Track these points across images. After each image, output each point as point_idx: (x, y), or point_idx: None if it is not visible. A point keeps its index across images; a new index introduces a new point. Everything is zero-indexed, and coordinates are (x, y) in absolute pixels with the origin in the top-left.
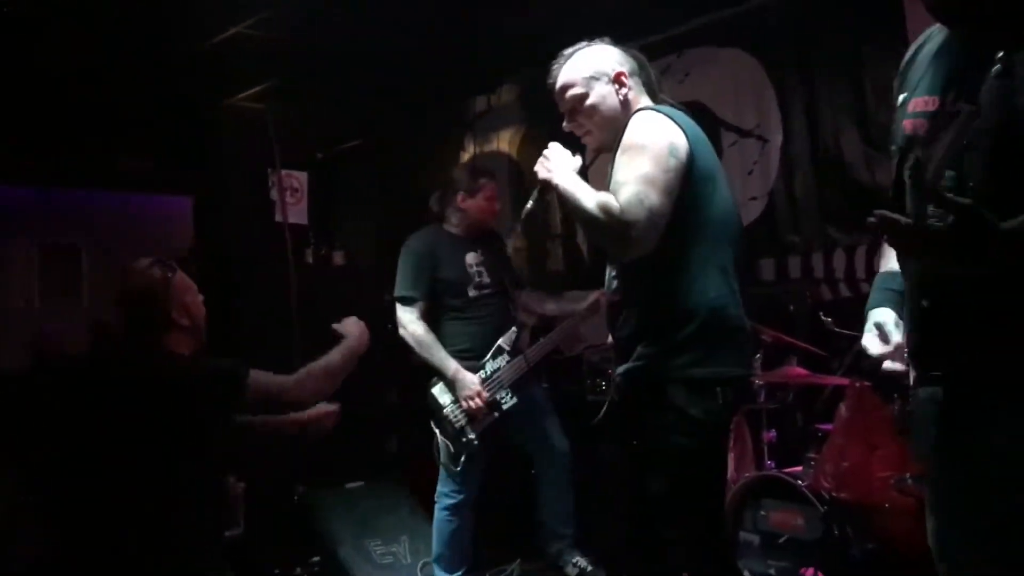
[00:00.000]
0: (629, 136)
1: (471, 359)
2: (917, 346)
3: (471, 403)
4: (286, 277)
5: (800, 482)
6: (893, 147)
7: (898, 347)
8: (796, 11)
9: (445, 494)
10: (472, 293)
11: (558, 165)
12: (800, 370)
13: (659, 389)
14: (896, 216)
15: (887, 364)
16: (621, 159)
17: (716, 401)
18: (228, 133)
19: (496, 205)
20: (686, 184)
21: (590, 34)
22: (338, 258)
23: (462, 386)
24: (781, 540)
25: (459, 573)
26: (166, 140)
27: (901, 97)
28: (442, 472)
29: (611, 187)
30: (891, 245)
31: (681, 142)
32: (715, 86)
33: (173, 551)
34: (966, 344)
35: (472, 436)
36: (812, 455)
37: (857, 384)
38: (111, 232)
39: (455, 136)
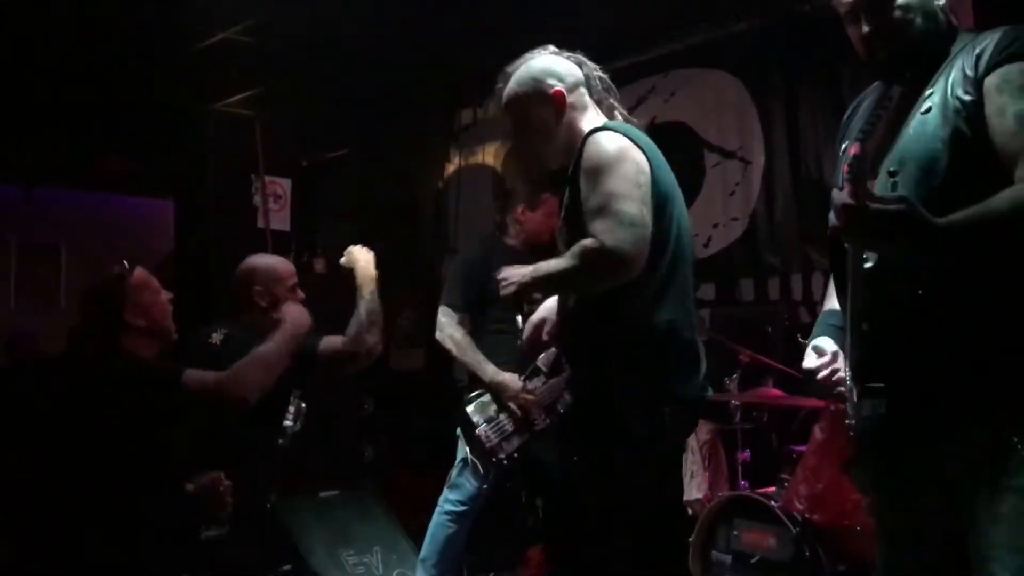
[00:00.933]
0: (590, 160)
1: (507, 371)
2: (858, 364)
3: (518, 402)
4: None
5: (773, 503)
6: (835, 190)
7: (834, 354)
8: (780, 35)
9: (451, 501)
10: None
11: (515, 273)
12: (776, 391)
13: (608, 407)
14: (850, 200)
15: (822, 374)
16: (588, 185)
17: (662, 421)
18: (212, 138)
19: (555, 220)
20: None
21: (578, 53)
22: (319, 265)
23: (505, 387)
24: (753, 560)
25: None
26: (150, 143)
27: (844, 145)
28: (454, 479)
29: (588, 215)
30: (841, 231)
31: (642, 159)
32: (699, 107)
33: (128, 553)
34: (902, 360)
35: (502, 456)
36: (785, 476)
37: (832, 407)
38: (92, 233)
39: (440, 147)
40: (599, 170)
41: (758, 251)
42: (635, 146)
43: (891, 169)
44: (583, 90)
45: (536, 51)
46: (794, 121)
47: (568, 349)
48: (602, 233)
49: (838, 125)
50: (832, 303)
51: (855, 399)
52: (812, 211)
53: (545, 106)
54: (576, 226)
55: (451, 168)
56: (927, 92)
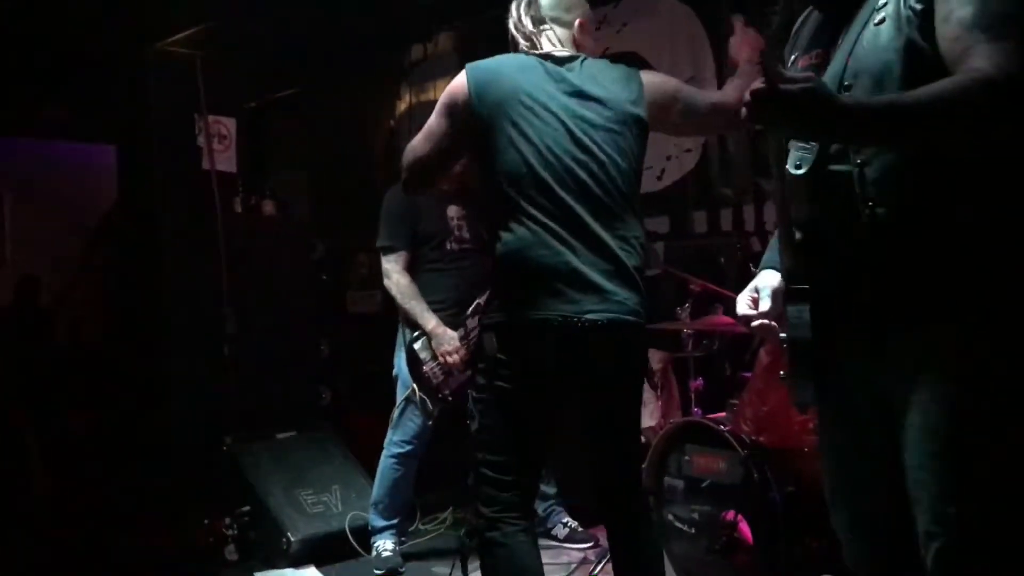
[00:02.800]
0: None
1: (444, 311)
2: (789, 272)
3: (449, 359)
4: (214, 226)
5: (722, 427)
6: None
7: (764, 315)
8: None
9: (396, 443)
10: (451, 246)
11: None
12: (726, 319)
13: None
14: (759, 85)
15: (754, 323)
16: None
17: (494, 343)
18: (154, 79)
19: None
20: (476, 134)
21: None
22: (268, 207)
23: (440, 342)
24: (704, 484)
25: (396, 520)
26: (90, 86)
27: (792, 57)
28: (396, 420)
29: None
30: (751, 114)
31: (458, 94)
32: (652, 37)
33: None
34: (830, 265)
35: (447, 392)
36: (735, 401)
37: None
38: (35, 181)
39: (390, 85)
40: None
41: (710, 183)
42: (462, 81)
43: (846, 83)
44: (515, 34)
45: None
46: None
47: None
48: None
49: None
50: None
51: (784, 308)
52: (764, 142)
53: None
54: None
55: (402, 105)
56: (880, 3)
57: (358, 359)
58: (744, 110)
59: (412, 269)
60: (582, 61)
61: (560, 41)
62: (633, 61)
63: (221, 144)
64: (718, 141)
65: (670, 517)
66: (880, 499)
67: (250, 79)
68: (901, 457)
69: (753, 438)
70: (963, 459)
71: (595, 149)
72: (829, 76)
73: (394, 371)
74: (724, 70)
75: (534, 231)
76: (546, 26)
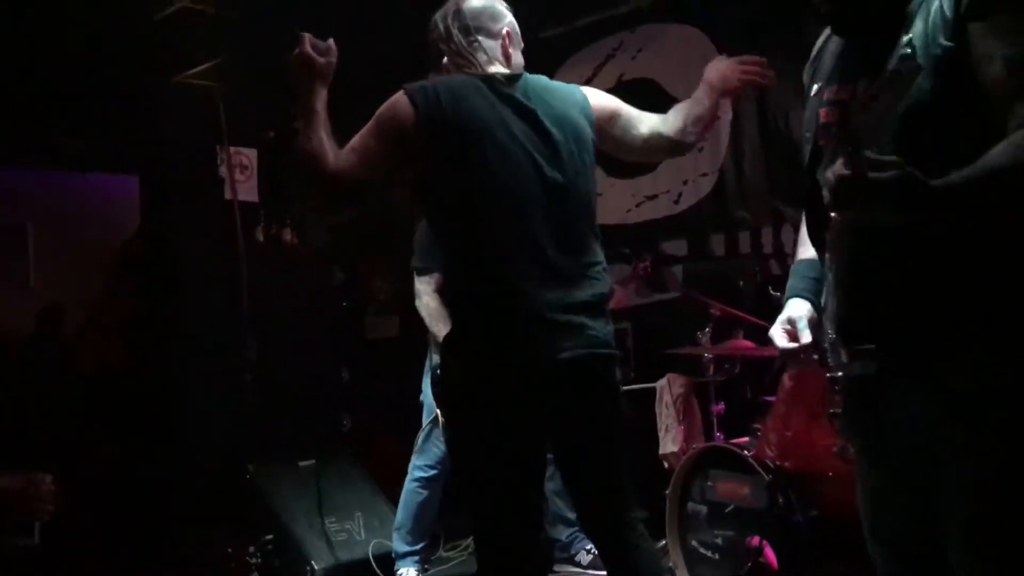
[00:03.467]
0: None
1: None
2: (844, 324)
3: None
4: (236, 255)
5: (746, 452)
6: (807, 133)
7: (805, 347)
8: None
9: (420, 467)
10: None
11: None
12: (747, 343)
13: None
14: (846, 171)
15: (791, 359)
16: None
17: (483, 383)
18: (176, 110)
19: None
20: (423, 161)
21: (547, 11)
22: (288, 236)
23: None
24: (728, 510)
25: (419, 546)
26: (113, 118)
27: (815, 87)
28: (420, 445)
29: None
30: (837, 201)
31: (404, 118)
32: (666, 62)
33: None
34: (890, 320)
35: None
36: (758, 426)
37: (801, 356)
38: (58, 212)
39: None
40: None
41: (727, 206)
42: (407, 102)
43: None
44: (442, 47)
45: None
46: None
47: None
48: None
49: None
50: (805, 252)
51: (842, 357)
52: (780, 165)
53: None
54: None
55: None
56: (904, 38)
57: (378, 384)
58: (829, 196)
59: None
60: (525, 79)
61: (489, 55)
62: (648, 87)
63: (243, 174)
64: (734, 165)
65: (694, 543)
66: (919, 534)
67: (270, 109)
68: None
69: (777, 463)
70: (1002, 500)
71: (556, 175)
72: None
73: (420, 396)
74: (739, 95)
75: (498, 267)
76: (473, 38)
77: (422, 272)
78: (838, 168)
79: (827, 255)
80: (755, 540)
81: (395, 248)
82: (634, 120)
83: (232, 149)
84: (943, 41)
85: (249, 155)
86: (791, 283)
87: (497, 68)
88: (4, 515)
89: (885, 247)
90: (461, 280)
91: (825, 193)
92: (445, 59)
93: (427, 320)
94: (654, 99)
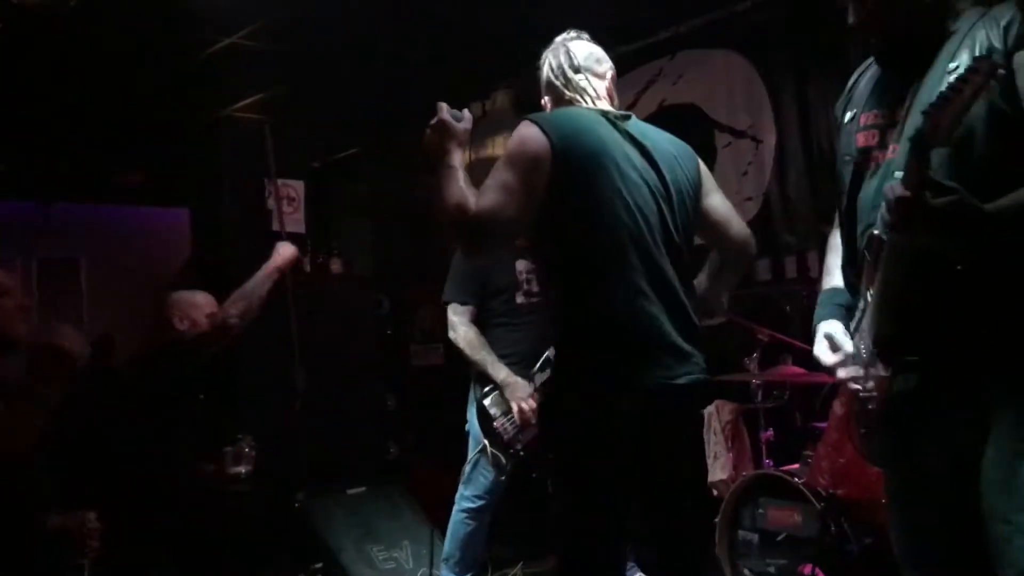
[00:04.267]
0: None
1: (513, 365)
2: (888, 339)
3: (524, 405)
4: (284, 286)
5: (797, 479)
6: (847, 157)
7: (848, 356)
8: (787, 12)
9: (467, 498)
10: (520, 300)
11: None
12: (796, 369)
13: (553, 404)
14: (905, 192)
15: (840, 372)
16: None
17: (593, 416)
18: (224, 144)
19: None
20: (556, 190)
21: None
22: (336, 266)
23: (514, 391)
24: (779, 538)
25: (468, 575)
26: (163, 152)
27: (850, 114)
28: (468, 475)
29: None
30: (894, 219)
31: (538, 148)
32: (708, 88)
33: None
34: (935, 334)
35: (519, 447)
36: (809, 453)
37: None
38: (110, 245)
39: None
40: (503, 158)
41: (773, 230)
42: (539, 132)
43: None
44: (559, 87)
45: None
46: (803, 97)
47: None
48: (479, 206)
49: None
50: (833, 280)
51: (881, 372)
52: (825, 188)
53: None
54: None
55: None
56: (952, 66)
57: (423, 412)
58: (887, 214)
59: (480, 323)
60: (634, 120)
61: (597, 92)
62: (690, 113)
63: (290, 206)
64: (779, 189)
65: (745, 571)
66: (952, 558)
67: (316, 141)
68: (977, 514)
69: (830, 490)
70: None
71: (672, 211)
72: (904, 136)
73: (466, 426)
74: (782, 118)
75: (628, 294)
76: (583, 75)
77: (462, 304)
78: (897, 188)
79: (864, 275)
80: (808, 569)
81: (440, 277)
82: (725, 210)
83: (280, 181)
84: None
85: (296, 187)
86: (818, 311)
87: (604, 106)
88: (58, 555)
89: (933, 265)
90: (585, 301)
91: (881, 211)
92: (546, 99)
93: (467, 351)
94: (697, 124)
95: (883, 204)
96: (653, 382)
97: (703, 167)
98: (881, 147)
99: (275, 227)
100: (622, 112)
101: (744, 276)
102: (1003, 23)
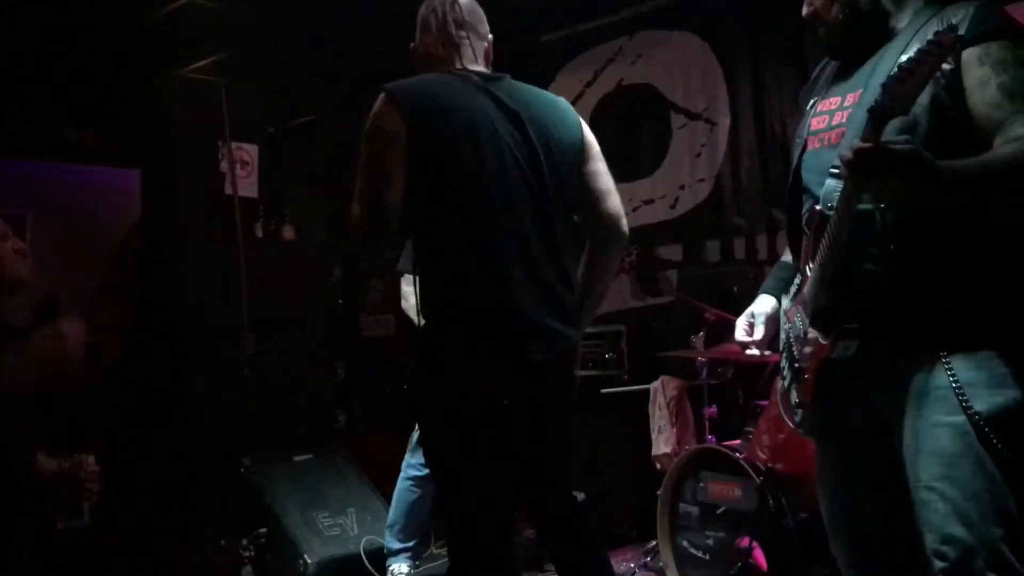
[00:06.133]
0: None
1: None
2: (826, 309)
3: None
4: (235, 251)
5: (738, 454)
6: (798, 139)
7: (758, 343)
8: None
9: (413, 466)
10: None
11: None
12: (738, 347)
13: (414, 377)
14: (867, 143)
15: (748, 351)
16: None
17: (454, 403)
18: (178, 105)
19: None
20: (415, 163)
21: (548, 15)
22: (288, 232)
23: None
24: (719, 511)
25: (411, 543)
26: (114, 111)
27: (811, 102)
28: (413, 444)
29: None
30: (853, 172)
31: (390, 126)
32: (665, 69)
33: None
34: (873, 304)
35: None
36: (750, 429)
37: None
38: (58, 204)
39: None
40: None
41: (724, 212)
42: (393, 107)
43: None
44: (434, 38)
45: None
46: (759, 82)
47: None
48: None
49: (801, 86)
50: (787, 255)
51: (820, 342)
52: (777, 172)
53: (411, 60)
54: None
55: None
56: (903, 58)
57: (373, 382)
58: (844, 168)
59: None
60: (508, 82)
61: (476, 54)
62: (647, 94)
63: (243, 170)
64: (731, 171)
65: (684, 543)
66: (879, 524)
67: (272, 105)
68: (901, 481)
69: (768, 465)
70: (971, 483)
71: (542, 179)
72: (853, 122)
73: None
74: (737, 101)
75: (487, 278)
76: (464, 33)
77: (410, 274)
78: (856, 141)
79: (804, 250)
80: (745, 541)
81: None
82: (602, 183)
83: (233, 145)
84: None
85: (250, 151)
86: (767, 281)
87: (479, 69)
88: (57, 497)
89: (868, 244)
90: (446, 281)
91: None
92: (418, 44)
93: (416, 320)
94: (653, 105)
95: (839, 160)
96: (508, 363)
97: (588, 132)
98: (828, 129)
99: (228, 191)
100: (495, 74)
101: (695, 256)
102: (954, 22)
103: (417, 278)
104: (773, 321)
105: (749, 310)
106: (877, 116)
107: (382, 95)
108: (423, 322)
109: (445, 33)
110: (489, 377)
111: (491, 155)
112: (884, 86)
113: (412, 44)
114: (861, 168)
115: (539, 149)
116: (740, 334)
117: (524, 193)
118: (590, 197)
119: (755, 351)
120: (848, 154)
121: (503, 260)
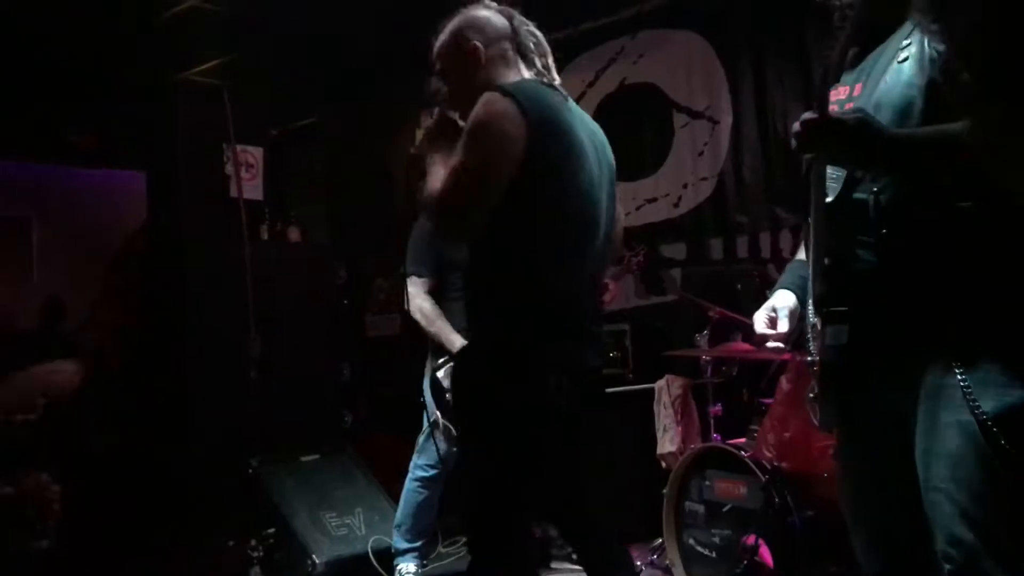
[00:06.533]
0: (471, 118)
1: None
2: (821, 297)
3: None
4: (241, 253)
5: (743, 453)
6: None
7: (781, 336)
8: None
9: (420, 467)
10: None
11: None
12: (745, 345)
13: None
14: (810, 115)
15: (770, 344)
16: (461, 141)
17: (539, 393)
18: (183, 108)
19: None
20: (523, 175)
21: (550, 15)
22: (293, 234)
23: None
24: (725, 509)
25: (419, 543)
26: (120, 114)
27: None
28: (421, 445)
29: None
30: (801, 143)
31: (514, 129)
32: (667, 68)
33: None
34: (863, 290)
35: None
36: (755, 427)
37: (798, 358)
38: (64, 206)
39: (411, 113)
40: (470, 133)
41: (727, 210)
42: (519, 112)
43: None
44: (507, 45)
45: (470, 5)
46: (761, 81)
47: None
48: (445, 189)
49: (803, 84)
50: (801, 252)
51: (819, 329)
52: (779, 170)
53: (463, 60)
54: None
55: (421, 132)
56: (904, 43)
57: (378, 382)
58: (794, 140)
59: (440, 296)
60: (571, 101)
61: (550, 67)
62: (649, 93)
63: (248, 172)
64: (734, 169)
65: (691, 541)
66: (897, 520)
67: (275, 107)
68: (916, 477)
69: (774, 463)
70: (977, 483)
71: (608, 199)
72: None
73: (421, 396)
74: (739, 100)
75: (579, 284)
76: (534, 43)
77: (416, 276)
78: (805, 114)
79: (807, 241)
80: (751, 539)
81: (397, 248)
82: (618, 207)
83: (238, 147)
84: (938, 46)
85: (255, 153)
86: (782, 278)
87: (558, 83)
88: (18, 519)
89: (863, 225)
90: (530, 292)
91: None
92: (484, 47)
93: (423, 323)
94: (655, 103)
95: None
96: (587, 365)
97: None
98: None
99: (233, 193)
100: (566, 93)
101: (698, 254)
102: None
103: (485, 281)
104: (795, 316)
105: (769, 303)
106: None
107: (507, 98)
108: (492, 327)
109: (516, 40)
110: (565, 385)
111: (585, 175)
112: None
113: (472, 44)
114: (809, 135)
115: (606, 169)
116: (761, 327)
117: (599, 212)
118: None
119: (778, 344)
120: (795, 126)
121: (581, 275)
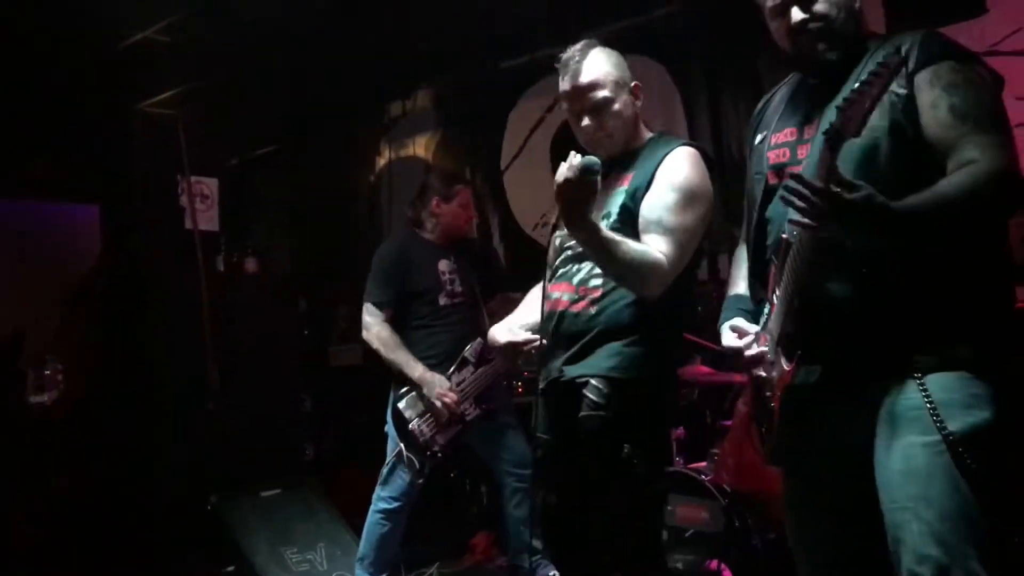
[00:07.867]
0: (684, 176)
1: (436, 367)
2: (790, 337)
3: (443, 400)
4: (197, 285)
5: (703, 477)
6: (757, 175)
7: (755, 335)
8: (700, 21)
9: (384, 499)
10: (443, 301)
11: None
12: (705, 368)
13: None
14: (813, 181)
15: (748, 352)
16: (671, 196)
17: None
18: (137, 139)
19: (471, 211)
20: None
21: (509, 42)
22: (251, 265)
23: (431, 387)
24: (687, 534)
25: None
26: (73, 147)
27: (760, 136)
28: (385, 477)
29: (655, 223)
30: (799, 209)
31: (710, 187)
32: None
33: None
34: (836, 332)
35: (436, 449)
36: (716, 450)
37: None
38: (15, 240)
39: (370, 142)
40: (686, 193)
41: None
42: (706, 167)
43: None
44: (642, 104)
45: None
46: (716, 106)
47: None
48: (669, 254)
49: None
50: (738, 289)
51: (784, 368)
52: (736, 193)
53: (629, 94)
54: (612, 215)
55: (382, 161)
56: (856, 84)
57: (341, 413)
58: (802, 216)
59: (402, 324)
60: None
61: None
62: None
63: (203, 204)
64: None
65: None
66: (845, 552)
67: (232, 137)
68: (869, 509)
69: (734, 487)
70: (945, 502)
71: None
72: (813, 150)
73: (385, 427)
74: (695, 124)
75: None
76: None
77: (375, 307)
78: (807, 175)
79: (771, 279)
80: (714, 564)
81: (359, 276)
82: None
83: (193, 178)
84: (896, 89)
85: (210, 184)
86: (723, 315)
87: None
88: None
89: (835, 265)
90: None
91: (789, 191)
92: (639, 105)
93: (382, 350)
94: None
95: (787, 191)
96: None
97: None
98: (793, 163)
99: (188, 225)
100: None
101: None
102: (904, 48)
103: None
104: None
105: (727, 327)
106: (832, 137)
107: (699, 156)
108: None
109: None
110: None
111: None
112: (839, 108)
113: (630, 76)
114: (819, 211)
115: None
116: (730, 340)
117: None
118: None
119: (757, 349)
120: (795, 188)
121: None
